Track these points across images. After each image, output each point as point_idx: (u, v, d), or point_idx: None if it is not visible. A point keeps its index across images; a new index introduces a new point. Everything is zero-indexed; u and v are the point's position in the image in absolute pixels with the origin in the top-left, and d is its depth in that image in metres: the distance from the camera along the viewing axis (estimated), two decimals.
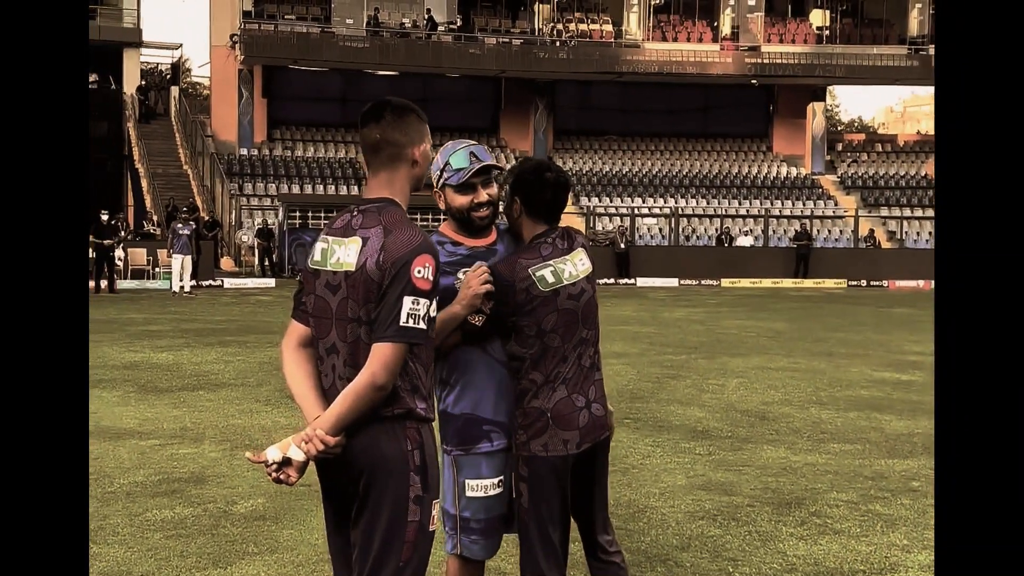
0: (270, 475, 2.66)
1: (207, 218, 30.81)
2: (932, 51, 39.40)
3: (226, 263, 31.66)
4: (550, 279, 3.30)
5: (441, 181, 3.29)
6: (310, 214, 31.57)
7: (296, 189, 35.19)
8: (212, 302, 21.30)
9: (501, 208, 3.41)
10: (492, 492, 3.32)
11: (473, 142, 3.39)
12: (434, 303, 2.67)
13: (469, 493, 3.31)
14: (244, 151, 37.24)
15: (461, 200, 3.26)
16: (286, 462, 2.65)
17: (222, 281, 26.93)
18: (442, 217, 3.44)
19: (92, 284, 23.10)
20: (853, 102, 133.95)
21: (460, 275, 3.26)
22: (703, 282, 30.38)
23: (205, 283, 25.94)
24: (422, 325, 2.63)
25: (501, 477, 3.34)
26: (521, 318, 3.26)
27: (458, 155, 3.27)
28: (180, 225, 23.13)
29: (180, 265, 22.95)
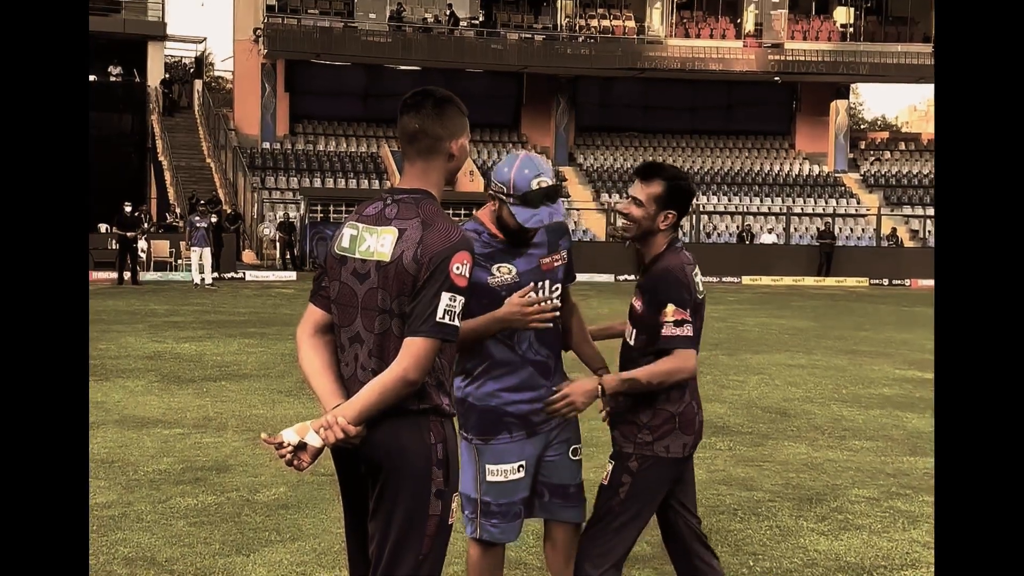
0: (282, 456, 2.61)
1: (229, 211, 30.96)
2: None
3: (248, 256, 31.81)
4: (701, 286, 3.44)
5: (502, 194, 3.25)
6: (331, 208, 31.68)
7: (318, 183, 35.32)
8: (234, 294, 21.40)
9: (626, 220, 3.40)
10: (512, 477, 3.35)
11: (540, 161, 3.30)
12: (465, 299, 2.66)
13: (490, 478, 3.35)
14: (266, 145, 37.40)
15: (511, 222, 3.25)
16: (302, 446, 2.60)
17: (244, 274, 27.05)
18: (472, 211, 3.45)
19: (115, 275, 23.28)
20: (877, 100, 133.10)
21: (495, 270, 3.26)
22: (724, 279, 30.27)
23: (227, 276, 26.08)
24: (456, 322, 2.61)
25: (523, 463, 3.36)
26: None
27: (525, 176, 3.23)
28: (197, 218, 23.21)
29: (199, 258, 23.07)
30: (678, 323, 3.28)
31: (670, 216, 3.39)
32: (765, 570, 4.62)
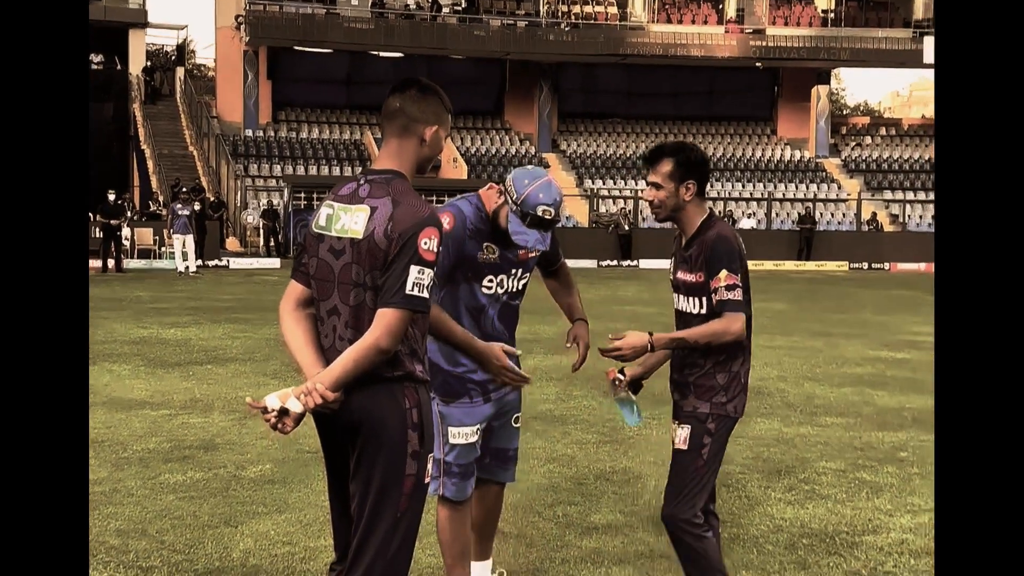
0: (267, 421, 2.79)
1: (212, 199, 31.00)
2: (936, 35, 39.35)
3: (231, 244, 31.87)
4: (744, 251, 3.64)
5: (509, 199, 3.56)
6: (315, 195, 31.73)
7: (301, 170, 35.37)
8: (218, 282, 21.52)
9: (654, 207, 3.63)
10: (472, 439, 3.70)
11: (557, 194, 3.58)
12: (434, 272, 2.85)
13: (452, 440, 3.68)
14: (249, 132, 37.40)
15: (503, 222, 3.58)
16: (284, 412, 2.78)
17: (228, 261, 27.13)
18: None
19: (99, 263, 23.33)
20: (859, 86, 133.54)
21: (484, 248, 3.59)
22: None
23: (211, 263, 26.16)
24: (425, 294, 2.80)
25: (479, 426, 3.71)
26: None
27: (538, 199, 3.51)
28: (179, 206, 23.29)
29: (182, 245, 23.15)
30: (729, 287, 3.51)
31: (691, 186, 3.58)
32: (732, 536, 4.83)
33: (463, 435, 3.68)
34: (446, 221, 3.49)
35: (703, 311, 3.61)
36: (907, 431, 7.31)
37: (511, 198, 3.55)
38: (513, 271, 3.70)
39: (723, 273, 3.51)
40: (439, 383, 3.66)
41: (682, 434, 3.62)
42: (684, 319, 3.69)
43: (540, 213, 3.51)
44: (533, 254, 3.74)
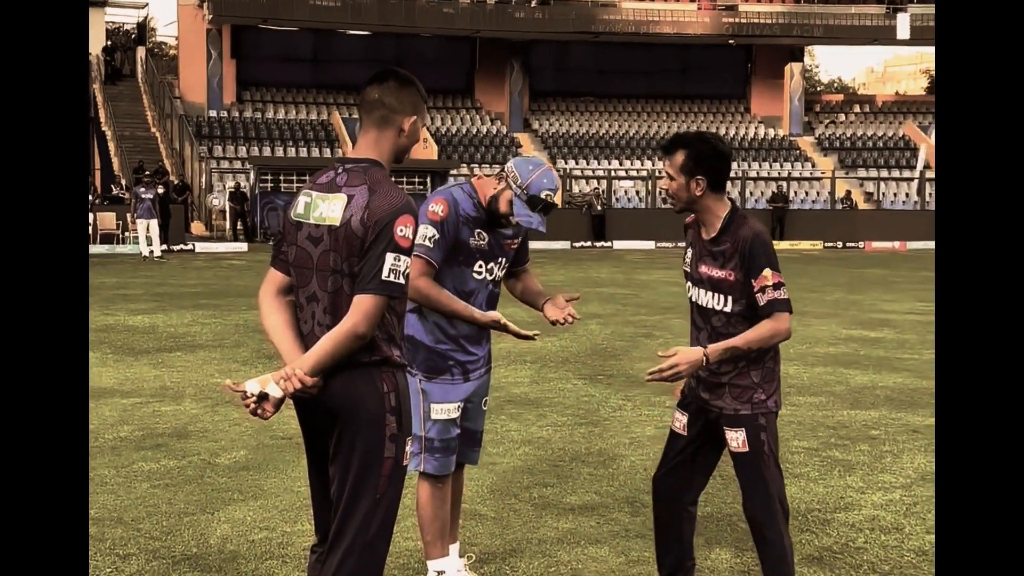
0: (247, 406, 2.89)
1: (176, 182, 30.83)
2: (910, 11, 39.69)
3: (197, 227, 31.73)
4: None
5: (510, 188, 3.78)
6: (282, 177, 31.61)
7: (267, 152, 35.21)
8: (184, 267, 21.45)
9: (669, 196, 3.70)
10: (453, 415, 3.87)
11: (556, 180, 3.89)
12: (411, 260, 2.95)
13: (435, 416, 3.84)
14: (213, 113, 37.17)
15: (504, 207, 3.79)
16: (264, 397, 2.88)
17: (193, 246, 27.03)
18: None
19: None
20: (834, 62, 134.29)
21: (476, 234, 3.80)
22: (680, 245, 30.73)
23: (176, 248, 26.05)
24: (401, 280, 2.90)
25: (460, 404, 3.88)
26: None
27: (542, 184, 3.77)
28: (143, 189, 23.14)
29: (146, 230, 23.04)
30: (776, 286, 3.44)
31: (700, 181, 3.53)
32: (707, 515, 4.97)
33: (445, 411, 3.84)
34: (440, 208, 3.72)
35: (726, 308, 3.55)
36: (879, 409, 7.49)
37: (515, 184, 3.77)
38: (500, 259, 3.92)
39: (768, 272, 3.45)
40: (422, 359, 3.82)
41: (739, 437, 3.57)
42: (704, 314, 3.64)
43: (544, 197, 3.78)
44: (515, 245, 3.96)
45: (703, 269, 3.62)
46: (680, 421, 3.75)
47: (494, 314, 3.86)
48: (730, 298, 3.55)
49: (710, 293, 3.60)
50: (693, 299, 3.70)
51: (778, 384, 3.64)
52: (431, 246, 3.72)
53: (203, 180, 32.96)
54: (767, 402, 3.59)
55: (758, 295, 3.46)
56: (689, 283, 3.71)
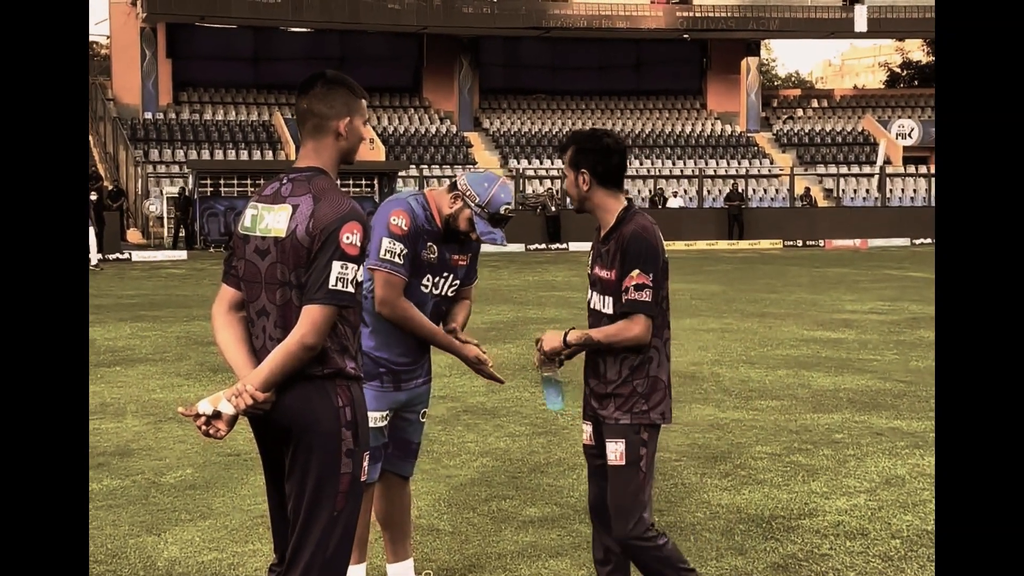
0: (199, 427, 2.93)
1: (111, 187, 30.47)
2: (868, 4, 40.35)
3: (133, 235, 31.37)
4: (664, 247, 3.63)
5: (468, 206, 3.90)
6: (222, 181, 31.31)
7: (206, 155, 34.93)
8: (120, 276, 21.22)
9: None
10: (379, 424, 3.94)
11: (512, 192, 4.09)
12: (361, 268, 2.98)
13: None
14: (149, 115, 36.79)
15: (464, 226, 3.92)
16: (216, 415, 2.91)
17: (130, 254, 26.75)
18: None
19: None
20: (790, 56, 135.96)
21: (428, 247, 3.91)
22: None
23: (111, 257, 25.75)
24: (350, 289, 2.93)
25: (387, 412, 3.98)
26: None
27: (501, 199, 3.93)
28: None
29: None
30: (638, 287, 3.49)
31: (584, 175, 3.60)
32: (669, 524, 5.05)
33: (372, 419, 3.78)
34: (403, 221, 3.82)
35: (608, 310, 3.59)
36: (842, 412, 7.63)
37: (474, 202, 3.88)
38: (446, 274, 4.00)
39: (634, 272, 3.49)
40: None
41: (618, 449, 3.58)
42: (596, 317, 3.67)
43: (504, 212, 3.94)
44: (463, 262, 4.05)
45: (596, 270, 3.67)
46: (586, 432, 3.80)
47: (474, 350, 4.00)
48: (612, 300, 3.59)
49: (601, 296, 3.64)
50: (588, 303, 3.74)
51: (665, 396, 3.62)
52: (401, 262, 3.80)
53: (139, 185, 32.61)
54: (649, 413, 3.58)
55: (623, 294, 3.52)
56: (589, 286, 3.76)
